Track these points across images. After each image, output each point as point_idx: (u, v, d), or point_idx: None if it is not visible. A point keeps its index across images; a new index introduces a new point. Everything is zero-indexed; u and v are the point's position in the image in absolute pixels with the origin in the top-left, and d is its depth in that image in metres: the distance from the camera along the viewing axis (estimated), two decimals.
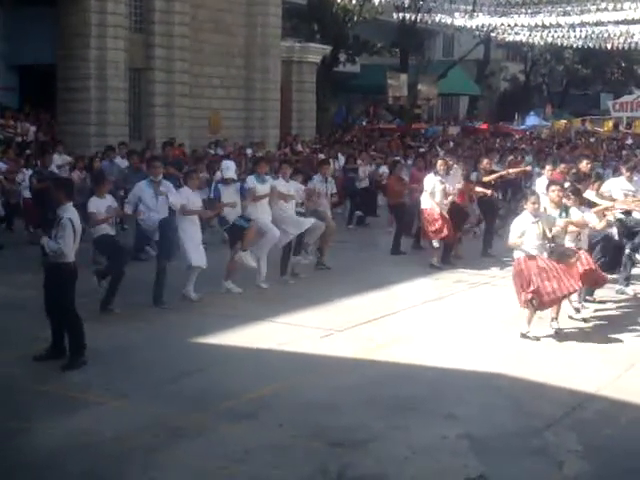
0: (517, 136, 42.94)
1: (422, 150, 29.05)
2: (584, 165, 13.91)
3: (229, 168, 12.92)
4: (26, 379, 8.43)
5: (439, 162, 15.15)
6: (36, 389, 8.15)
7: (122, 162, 18.15)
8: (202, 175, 13.97)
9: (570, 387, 8.38)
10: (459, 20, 36.57)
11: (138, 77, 27.48)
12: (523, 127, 47.18)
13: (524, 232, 10.10)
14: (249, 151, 27.06)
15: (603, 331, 10.63)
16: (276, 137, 32.06)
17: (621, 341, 10.16)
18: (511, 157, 22.71)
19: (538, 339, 10.07)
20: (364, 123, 45.20)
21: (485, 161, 16.42)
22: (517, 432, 7.21)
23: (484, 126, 47.26)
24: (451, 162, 15.30)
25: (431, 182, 14.58)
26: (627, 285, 12.63)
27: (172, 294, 11.67)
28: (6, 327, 10.21)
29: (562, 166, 14.95)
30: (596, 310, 11.63)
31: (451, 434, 7.12)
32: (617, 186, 12.93)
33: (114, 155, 18.49)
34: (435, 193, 14.47)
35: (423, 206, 14.53)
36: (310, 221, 13.39)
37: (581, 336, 10.35)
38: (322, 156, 24.14)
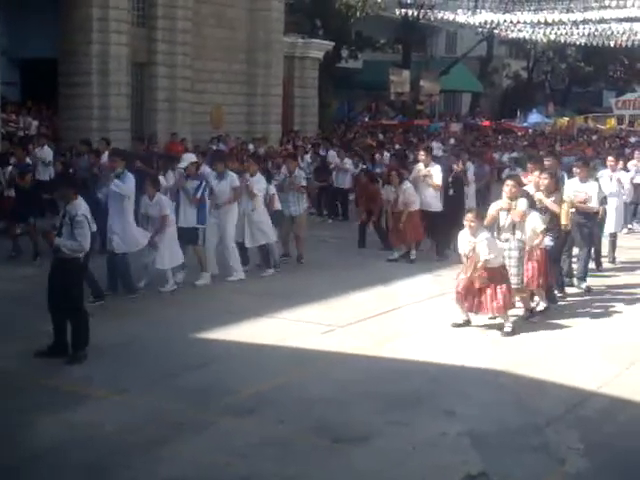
0: (519, 133, 42.94)
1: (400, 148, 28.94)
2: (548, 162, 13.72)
3: (185, 159, 13.20)
4: (27, 373, 8.45)
5: (420, 152, 15.68)
6: (38, 383, 8.17)
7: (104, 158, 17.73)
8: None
9: (571, 384, 8.38)
10: (462, 16, 36.56)
11: (140, 72, 27.46)
12: (525, 124, 47.16)
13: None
14: (251, 147, 27.07)
15: (603, 328, 10.65)
16: (278, 133, 32.04)
17: (621, 338, 10.17)
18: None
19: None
20: (366, 119, 45.17)
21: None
22: (518, 429, 7.21)
23: (486, 123, 47.25)
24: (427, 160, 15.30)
25: (415, 170, 15.15)
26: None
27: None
28: (6, 320, 10.22)
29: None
30: (596, 306, 11.70)
31: (452, 430, 7.13)
32: (569, 187, 12.62)
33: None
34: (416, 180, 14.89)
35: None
36: (271, 237, 13.53)
37: (581, 333, 10.36)
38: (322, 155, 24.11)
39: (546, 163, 13.09)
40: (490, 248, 10.08)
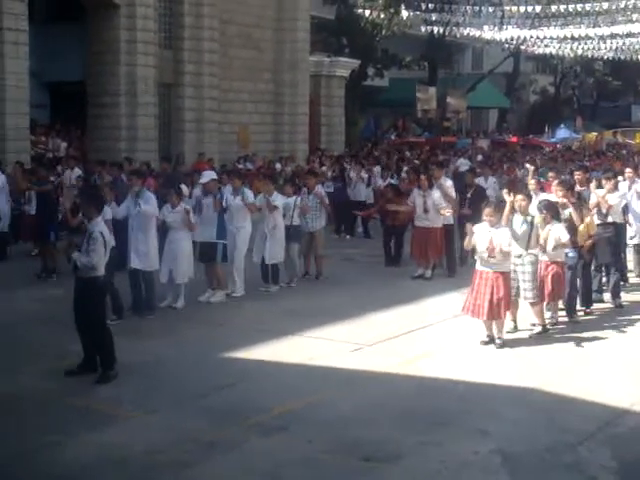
0: (547, 149, 42.72)
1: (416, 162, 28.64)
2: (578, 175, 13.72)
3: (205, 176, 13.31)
4: (57, 393, 8.48)
5: (421, 177, 15.24)
6: (68, 403, 8.19)
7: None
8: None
9: (602, 401, 8.28)
10: (488, 33, 36.54)
11: (168, 93, 27.68)
12: (553, 140, 46.92)
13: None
14: (278, 166, 27.15)
15: (631, 344, 10.52)
16: (305, 151, 32.12)
17: None
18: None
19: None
20: (393, 137, 45.17)
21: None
22: (550, 447, 7.13)
23: (514, 139, 47.07)
24: (438, 174, 15.05)
25: (412, 196, 14.95)
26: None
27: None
28: (37, 341, 10.29)
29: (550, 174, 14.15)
30: (623, 321, 11.60)
31: (483, 449, 7.06)
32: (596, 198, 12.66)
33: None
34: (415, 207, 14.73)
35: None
36: (279, 256, 13.56)
37: (609, 349, 10.25)
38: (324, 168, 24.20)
39: (576, 176, 13.13)
40: (510, 241, 10.13)
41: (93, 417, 7.82)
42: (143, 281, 11.78)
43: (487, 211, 10.30)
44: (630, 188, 14.77)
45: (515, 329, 10.98)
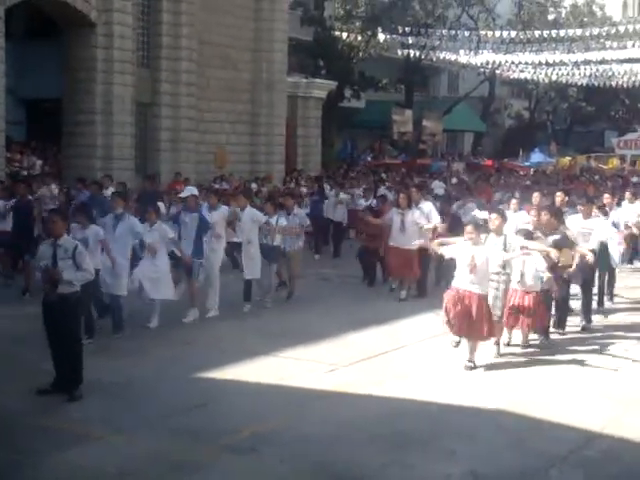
0: (521, 172, 43.01)
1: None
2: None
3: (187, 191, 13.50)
4: (26, 413, 8.37)
5: (400, 195, 15.40)
6: (37, 423, 8.09)
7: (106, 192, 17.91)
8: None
9: (574, 424, 8.29)
10: (464, 57, 36.84)
11: (144, 112, 27.65)
12: (528, 164, 47.26)
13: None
14: (254, 186, 27.13)
15: (604, 366, 10.57)
16: (281, 172, 32.16)
17: (619, 375, 10.12)
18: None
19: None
20: (369, 158, 45.33)
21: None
22: (522, 470, 7.12)
23: (489, 162, 47.36)
24: (416, 197, 15.17)
25: (389, 214, 15.05)
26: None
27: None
28: (7, 359, 10.17)
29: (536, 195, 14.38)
30: (596, 344, 11.66)
31: (455, 471, 7.04)
32: (573, 224, 12.69)
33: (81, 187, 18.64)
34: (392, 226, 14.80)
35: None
36: (255, 273, 13.56)
37: (582, 372, 10.29)
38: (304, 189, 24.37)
39: (557, 200, 13.32)
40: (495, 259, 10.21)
41: (62, 437, 7.72)
42: (111, 303, 11.73)
43: (468, 229, 10.35)
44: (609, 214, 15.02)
45: (498, 353, 10.98)
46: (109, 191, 17.77)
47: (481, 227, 10.74)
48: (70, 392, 8.75)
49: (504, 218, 11.17)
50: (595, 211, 13.73)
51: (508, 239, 10.76)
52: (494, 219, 10.90)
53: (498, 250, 10.48)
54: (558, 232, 11.55)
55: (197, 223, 12.69)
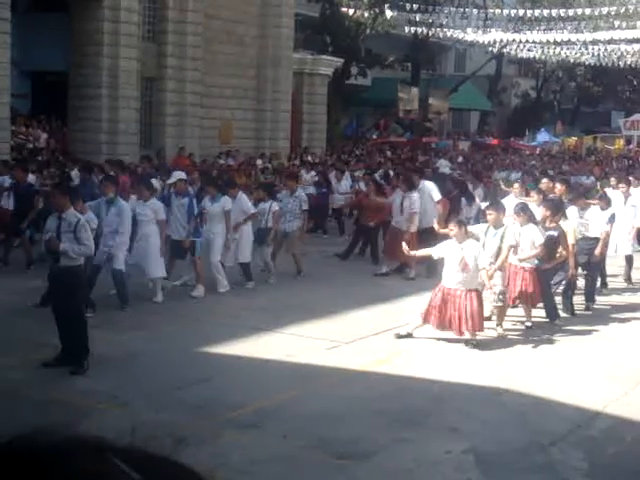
0: (527, 152, 42.94)
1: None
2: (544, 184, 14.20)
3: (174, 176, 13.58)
4: (30, 386, 8.42)
5: (400, 178, 15.68)
6: (40, 396, 8.14)
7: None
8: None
9: (575, 404, 8.34)
10: (471, 35, 36.64)
11: (150, 86, 27.59)
12: (534, 143, 47.16)
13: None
14: (259, 162, 27.12)
15: (607, 347, 10.61)
16: (286, 149, 32.11)
17: (625, 358, 10.14)
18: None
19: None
20: (374, 136, 45.24)
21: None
22: (522, 448, 7.17)
23: (494, 141, 47.27)
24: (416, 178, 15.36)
25: (394, 195, 15.26)
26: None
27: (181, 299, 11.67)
28: (10, 332, 10.22)
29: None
30: (600, 325, 11.74)
31: (456, 449, 7.09)
32: (573, 215, 12.74)
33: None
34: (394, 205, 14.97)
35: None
36: (246, 257, 13.58)
37: (585, 352, 10.33)
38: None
39: (557, 189, 13.39)
40: (483, 258, 10.25)
41: (66, 410, 7.76)
42: (113, 278, 11.75)
43: (451, 226, 10.40)
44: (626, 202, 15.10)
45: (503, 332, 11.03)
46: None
47: (465, 224, 10.77)
48: (75, 364, 8.80)
49: (500, 211, 11.22)
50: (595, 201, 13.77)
51: (507, 231, 10.86)
52: (488, 213, 11.04)
53: (495, 244, 10.69)
54: (557, 228, 11.64)
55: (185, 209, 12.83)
